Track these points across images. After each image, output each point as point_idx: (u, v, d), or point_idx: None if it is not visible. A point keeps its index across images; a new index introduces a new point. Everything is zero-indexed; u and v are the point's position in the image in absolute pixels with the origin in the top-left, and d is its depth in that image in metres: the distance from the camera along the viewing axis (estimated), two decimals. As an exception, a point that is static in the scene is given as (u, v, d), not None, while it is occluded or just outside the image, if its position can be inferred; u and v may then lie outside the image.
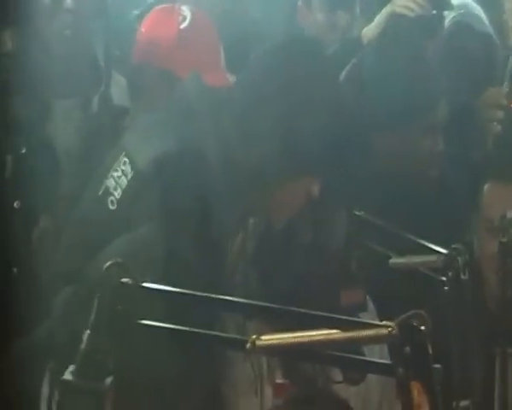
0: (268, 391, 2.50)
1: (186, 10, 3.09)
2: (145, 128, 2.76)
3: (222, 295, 1.86)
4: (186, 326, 1.80)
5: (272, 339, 1.74)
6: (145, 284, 1.79)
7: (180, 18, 3.07)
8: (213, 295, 1.84)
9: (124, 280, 1.75)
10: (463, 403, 2.05)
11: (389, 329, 1.69)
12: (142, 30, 3.13)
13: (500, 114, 3.11)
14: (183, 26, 3.06)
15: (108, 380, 1.73)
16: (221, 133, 2.46)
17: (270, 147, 2.44)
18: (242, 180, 2.45)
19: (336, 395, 1.94)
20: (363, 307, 2.72)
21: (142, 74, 3.08)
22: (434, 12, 3.30)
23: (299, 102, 2.49)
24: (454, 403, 2.03)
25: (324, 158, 2.54)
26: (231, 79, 2.98)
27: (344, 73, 3.17)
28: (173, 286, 1.83)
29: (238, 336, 1.83)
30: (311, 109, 2.49)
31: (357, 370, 1.96)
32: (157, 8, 3.19)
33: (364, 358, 1.85)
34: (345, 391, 2.45)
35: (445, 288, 2.13)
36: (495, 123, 3.10)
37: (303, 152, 2.46)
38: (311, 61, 2.62)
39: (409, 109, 2.94)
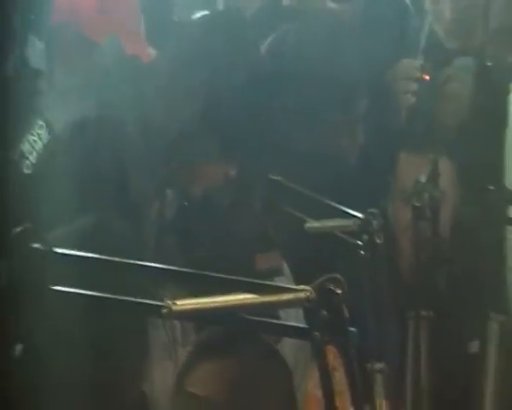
0: (182, 355, 2.48)
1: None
2: (62, 92, 2.70)
3: (138, 260, 1.82)
4: (101, 292, 1.76)
5: (188, 304, 1.71)
6: (57, 250, 1.73)
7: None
8: (129, 261, 1.80)
9: (35, 245, 1.69)
10: (378, 366, 2.04)
11: (306, 293, 1.66)
12: None
13: (414, 86, 3.09)
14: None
15: (19, 347, 1.68)
16: (141, 101, 2.43)
17: (189, 116, 2.42)
18: (161, 150, 2.43)
19: (259, 337, 1.90)
20: (278, 272, 2.70)
21: (59, 37, 3.01)
22: None
23: (218, 70, 2.47)
24: (369, 365, 2.01)
25: (243, 125, 2.54)
26: (151, 51, 2.94)
27: (266, 45, 3.14)
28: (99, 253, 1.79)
29: (154, 302, 1.79)
30: (230, 78, 2.47)
31: (273, 334, 1.93)
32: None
33: (281, 322, 1.82)
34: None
35: (360, 251, 2.11)
36: (409, 95, 3.09)
37: (222, 121, 2.45)
38: (231, 32, 2.61)
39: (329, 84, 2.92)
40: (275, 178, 2.52)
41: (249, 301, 1.67)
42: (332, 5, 3.21)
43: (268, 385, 1.82)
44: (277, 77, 2.90)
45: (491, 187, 2.34)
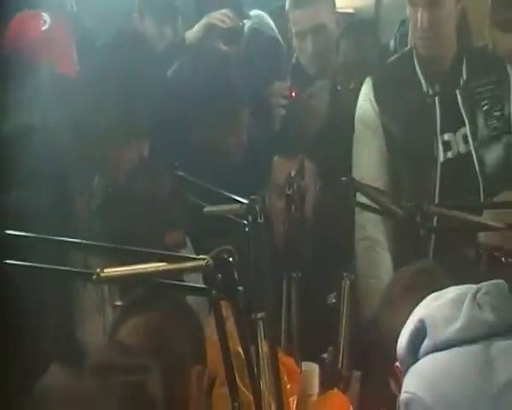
0: (109, 311, 2.43)
1: (46, 16, 2.96)
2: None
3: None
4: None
5: (113, 271, 1.66)
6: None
7: (42, 21, 2.93)
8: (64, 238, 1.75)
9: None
10: (260, 315, 2.01)
11: (205, 261, 1.64)
12: (12, 27, 2.97)
13: (283, 101, 3.10)
14: (44, 28, 2.92)
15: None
16: (71, 109, 2.38)
17: (109, 119, 2.38)
18: (89, 146, 2.39)
19: (177, 298, 1.86)
20: (182, 245, 2.67)
21: (9, 62, 2.92)
22: (240, 23, 3.26)
23: (130, 85, 2.44)
24: (253, 315, 1.99)
25: (153, 128, 2.52)
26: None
27: (171, 71, 3.11)
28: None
29: (86, 270, 1.75)
30: (140, 92, 2.45)
31: (180, 293, 1.89)
32: (23, 13, 3.03)
33: (186, 283, 1.79)
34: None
35: (246, 229, 2.09)
36: (280, 108, 3.09)
37: (134, 123, 2.42)
38: (139, 53, 2.58)
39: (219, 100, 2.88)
40: (180, 173, 2.49)
41: (162, 268, 1.64)
42: (223, 47, 3.18)
43: (183, 331, 1.78)
44: (180, 92, 2.91)
45: (343, 178, 2.33)
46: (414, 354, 1.56)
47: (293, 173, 2.43)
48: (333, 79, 3.22)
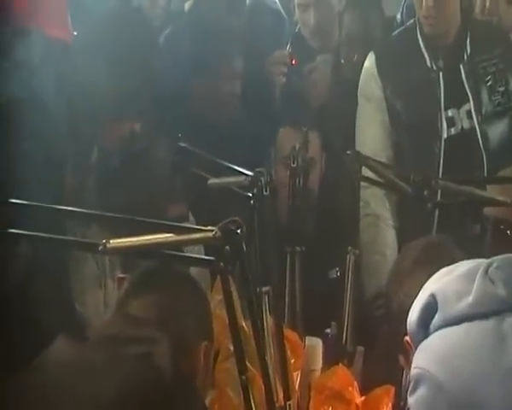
0: (110, 284, 2.41)
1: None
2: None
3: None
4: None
5: (120, 242, 1.63)
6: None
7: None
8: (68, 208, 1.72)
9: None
10: (265, 288, 2.00)
11: (213, 232, 1.61)
12: None
13: (284, 69, 3.07)
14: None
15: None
16: (63, 82, 2.33)
17: (102, 93, 2.34)
18: (82, 121, 2.35)
19: (185, 272, 1.84)
20: (185, 218, 2.64)
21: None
22: None
23: (125, 57, 2.41)
24: (258, 289, 1.97)
25: (146, 102, 2.49)
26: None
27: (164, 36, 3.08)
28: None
29: (92, 241, 1.71)
30: (137, 56, 2.42)
31: (187, 264, 1.87)
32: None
33: (194, 255, 1.77)
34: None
35: (252, 202, 2.06)
36: (281, 76, 3.05)
37: (128, 97, 2.39)
38: (133, 25, 2.56)
39: (212, 63, 2.86)
40: (182, 144, 2.46)
41: (169, 240, 1.61)
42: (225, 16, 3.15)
43: (191, 307, 1.75)
44: (172, 57, 2.89)
45: (349, 152, 2.31)
46: (425, 329, 1.54)
47: (297, 146, 2.41)
48: (336, 53, 3.19)
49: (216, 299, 1.91)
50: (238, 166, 2.20)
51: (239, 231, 1.63)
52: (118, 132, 2.48)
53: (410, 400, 1.49)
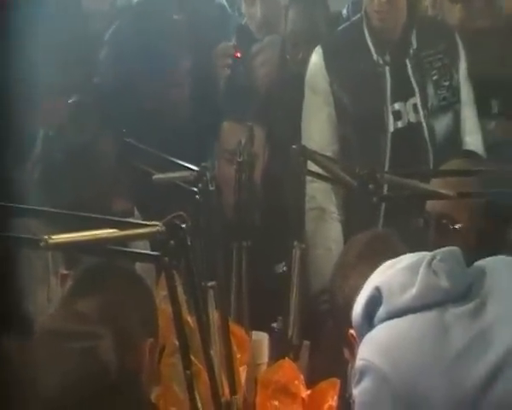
0: (53, 281, 2.39)
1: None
2: None
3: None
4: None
5: (62, 238, 1.62)
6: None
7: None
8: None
9: None
10: (210, 283, 2.01)
11: (158, 227, 1.61)
12: None
13: (229, 61, 3.07)
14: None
15: None
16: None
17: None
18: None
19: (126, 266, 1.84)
20: (130, 214, 2.64)
21: None
22: None
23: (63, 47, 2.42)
24: (203, 283, 1.98)
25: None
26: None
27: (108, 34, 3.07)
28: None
29: (33, 236, 1.70)
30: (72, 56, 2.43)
31: (132, 260, 1.87)
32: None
33: (138, 250, 1.77)
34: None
35: (197, 197, 2.07)
36: (225, 68, 3.07)
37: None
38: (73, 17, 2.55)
39: (158, 58, 2.86)
40: (127, 140, 2.46)
41: (113, 235, 1.60)
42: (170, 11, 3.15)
43: (136, 303, 1.75)
44: (118, 51, 2.90)
45: (294, 146, 2.33)
46: (369, 321, 1.57)
47: (243, 141, 2.42)
48: (282, 47, 3.21)
49: (161, 294, 1.91)
50: (183, 160, 2.21)
51: (184, 225, 1.64)
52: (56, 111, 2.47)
53: (355, 391, 1.52)
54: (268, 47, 3.14)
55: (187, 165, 2.18)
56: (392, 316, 1.54)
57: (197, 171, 2.12)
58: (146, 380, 1.74)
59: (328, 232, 2.87)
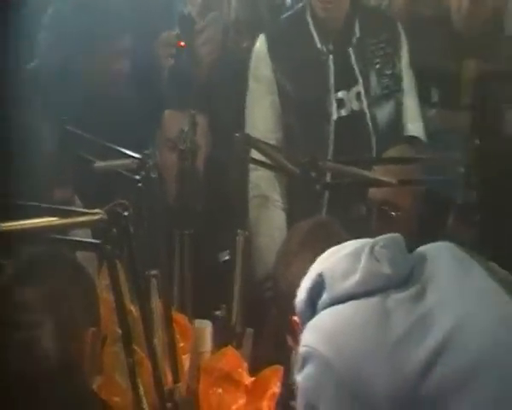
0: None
1: None
2: None
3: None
4: None
5: (2, 227, 1.60)
6: None
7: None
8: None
9: None
10: (153, 272, 2.00)
11: (99, 215, 1.60)
12: None
13: (172, 50, 3.04)
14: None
15: None
16: None
17: None
18: None
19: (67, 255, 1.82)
20: (71, 202, 2.61)
21: None
22: None
23: None
24: (146, 272, 1.97)
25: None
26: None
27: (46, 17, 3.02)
28: None
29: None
30: None
31: (73, 249, 1.85)
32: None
33: (79, 238, 1.75)
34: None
35: (139, 184, 2.06)
36: (169, 58, 3.05)
37: None
38: None
39: (99, 41, 2.83)
40: (68, 128, 2.43)
41: (54, 223, 1.59)
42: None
43: (77, 293, 1.73)
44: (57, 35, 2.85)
45: (237, 134, 2.33)
46: (312, 307, 1.57)
47: (185, 129, 2.41)
48: (225, 35, 3.20)
49: (103, 283, 1.90)
50: (126, 148, 2.20)
51: (126, 213, 1.63)
52: None
53: (298, 378, 1.52)
54: (210, 25, 3.11)
55: (129, 153, 2.17)
56: (334, 302, 1.54)
57: (139, 159, 2.11)
58: (88, 369, 1.73)
59: (271, 220, 2.88)
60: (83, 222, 1.66)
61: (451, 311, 1.47)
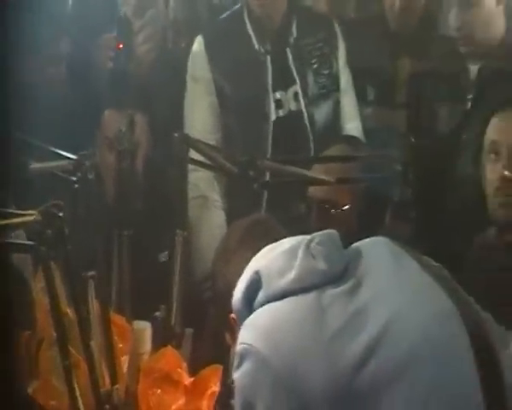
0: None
1: None
2: None
3: None
4: None
5: None
6: None
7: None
8: None
9: None
10: (90, 273, 1.97)
11: (33, 216, 1.57)
12: None
13: (111, 53, 3.00)
14: None
15: None
16: None
17: None
18: None
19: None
20: (4, 206, 2.56)
21: None
22: None
23: None
24: (83, 273, 1.94)
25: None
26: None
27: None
28: None
29: None
30: None
31: (7, 251, 1.81)
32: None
33: (14, 240, 1.72)
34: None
35: (76, 185, 2.03)
36: (107, 60, 3.01)
37: None
38: None
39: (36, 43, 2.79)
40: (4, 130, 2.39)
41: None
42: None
43: (11, 294, 1.70)
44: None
45: (176, 134, 2.32)
46: (249, 305, 1.57)
47: (123, 128, 2.40)
48: (163, 36, 3.19)
49: (38, 286, 1.87)
50: (63, 149, 2.17)
51: (61, 214, 1.61)
52: None
53: (235, 375, 1.52)
54: (148, 24, 3.08)
55: (65, 154, 2.14)
56: (271, 300, 1.54)
57: (76, 160, 2.08)
58: (23, 374, 1.70)
59: (211, 220, 2.87)
60: (17, 223, 1.63)
61: (386, 306, 1.48)
